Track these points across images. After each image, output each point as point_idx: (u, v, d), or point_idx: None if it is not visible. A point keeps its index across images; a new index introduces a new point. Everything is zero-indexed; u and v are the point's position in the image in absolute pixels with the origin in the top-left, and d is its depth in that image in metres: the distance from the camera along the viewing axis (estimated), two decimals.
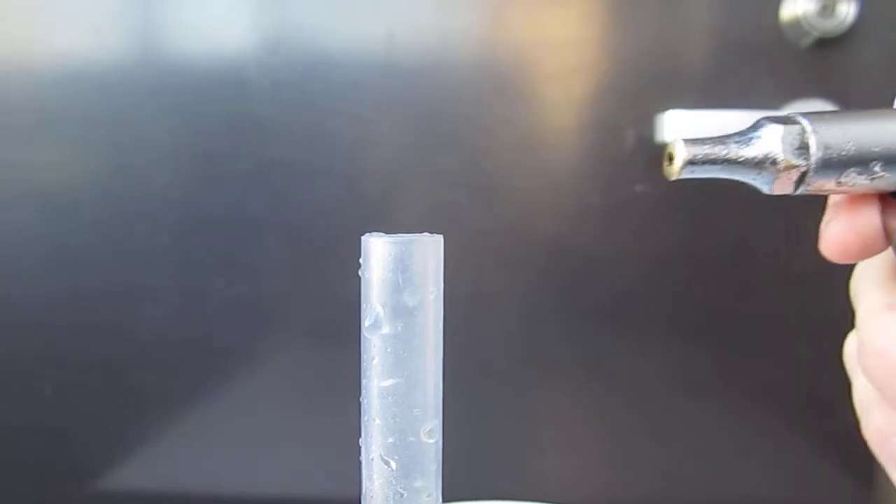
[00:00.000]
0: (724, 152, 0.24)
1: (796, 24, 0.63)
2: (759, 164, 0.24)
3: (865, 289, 0.28)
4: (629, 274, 0.67)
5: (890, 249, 0.27)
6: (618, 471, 0.70)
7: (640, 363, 0.68)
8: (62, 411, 0.67)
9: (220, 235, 0.66)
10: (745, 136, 0.25)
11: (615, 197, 0.65)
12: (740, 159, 0.25)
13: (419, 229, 0.21)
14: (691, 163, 0.24)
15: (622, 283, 0.67)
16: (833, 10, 0.62)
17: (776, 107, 0.64)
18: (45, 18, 0.64)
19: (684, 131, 0.62)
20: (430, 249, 0.20)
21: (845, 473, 0.67)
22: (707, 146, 0.24)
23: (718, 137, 0.25)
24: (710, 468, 0.70)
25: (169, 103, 0.64)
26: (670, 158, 0.25)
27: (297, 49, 0.64)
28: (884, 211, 0.26)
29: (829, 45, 0.63)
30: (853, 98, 0.64)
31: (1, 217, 0.65)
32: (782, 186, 0.25)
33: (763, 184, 0.25)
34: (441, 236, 0.21)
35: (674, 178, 0.25)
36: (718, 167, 0.25)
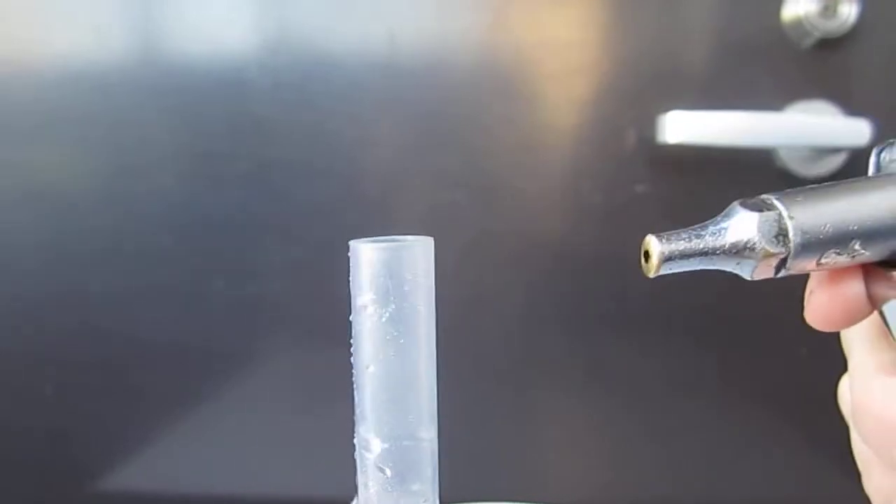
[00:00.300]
0: (700, 245, 0.24)
1: (798, 24, 0.62)
2: (737, 254, 0.24)
3: (856, 344, 0.28)
4: (630, 274, 0.66)
5: (876, 312, 0.26)
6: (618, 471, 0.70)
7: (641, 364, 0.68)
8: (62, 411, 0.67)
9: (221, 236, 0.65)
10: (719, 226, 0.24)
11: (616, 197, 0.65)
12: (717, 251, 0.24)
13: (419, 230, 0.21)
14: (668, 259, 0.24)
15: (623, 284, 0.67)
16: (835, 10, 0.62)
17: (778, 107, 0.64)
18: (45, 19, 0.64)
19: (686, 132, 0.62)
20: (419, 252, 0.20)
21: (846, 474, 0.67)
22: (682, 241, 0.24)
23: (693, 230, 0.24)
24: (711, 469, 0.70)
25: (169, 104, 0.64)
26: (646, 256, 0.24)
27: (298, 49, 0.64)
28: (867, 278, 0.26)
29: (830, 45, 0.63)
30: (855, 98, 0.64)
31: (1, 217, 0.65)
32: (763, 273, 0.24)
33: (743, 272, 0.25)
34: (431, 238, 0.21)
35: (652, 275, 0.24)
36: (696, 261, 0.24)
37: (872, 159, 0.27)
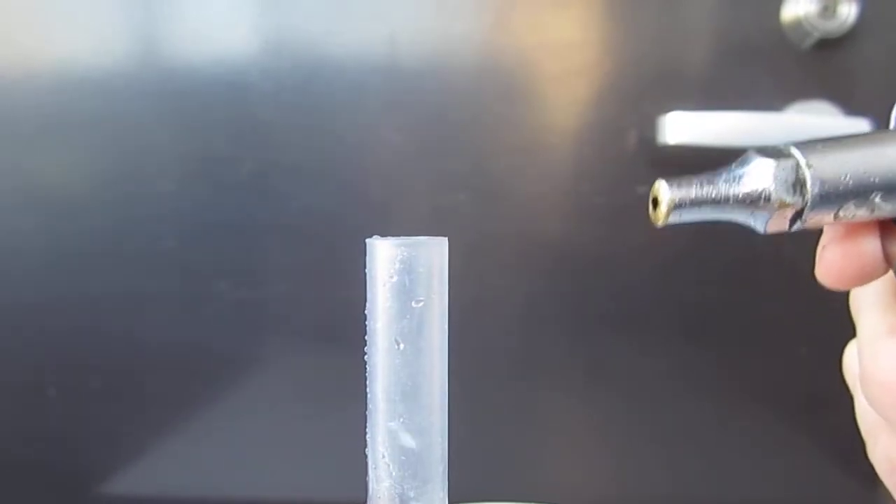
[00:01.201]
0: (712, 193, 0.22)
1: (798, 24, 0.63)
2: (751, 204, 0.22)
3: (866, 307, 0.26)
4: (632, 275, 0.67)
5: (891, 272, 0.25)
6: (620, 471, 0.70)
7: (642, 364, 0.68)
8: (66, 415, 0.67)
9: (223, 239, 0.66)
10: (733, 173, 0.23)
11: (618, 198, 0.66)
12: (731, 200, 0.23)
13: (422, 232, 0.21)
14: (678, 206, 0.22)
15: (625, 285, 0.67)
16: (834, 10, 0.62)
17: (778, 108, 0.64)
18: (47, 25, 0.64)
19: (686, 132, 0.62)
20: (435, 251, 0.20)
21: (848, 474, 0.67)
22: (694, 187, 0.22)
23: (706, 176, 0.23)
24: (712, 468, 0.70)
25: (171, 108, 0.64)
26: (655, 203, 0.23)
27: (299, 53, 0.64)
28: (883, 235, 0.25)
29: (830, 45, 0.63)
30: (855, 98, 0.64)
31: (5, 222, 0.65)
32: (777, 225, 0.23)
33: (756, 223, 0.23)
34: (445, 238, 0.21)
35: (661, 224, 0.23)
36: (708, 209, 0.23)
37: (894, 115, 0.26)
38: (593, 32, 0.65)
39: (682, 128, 0.62)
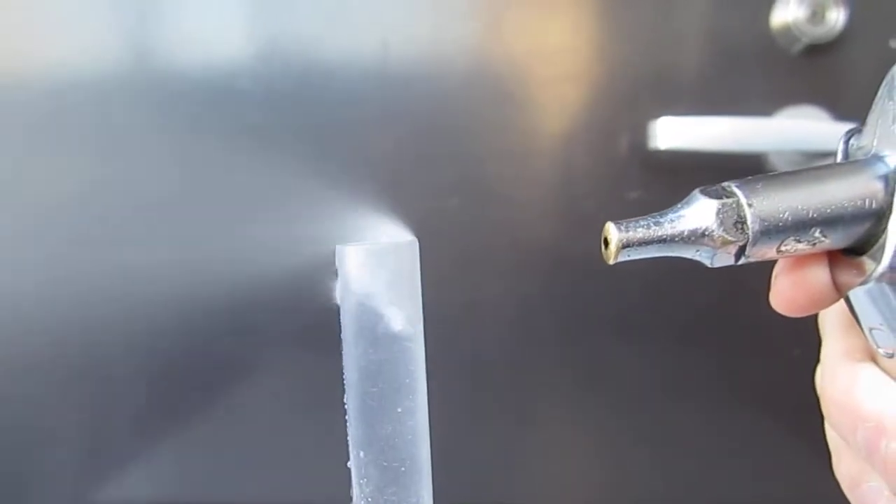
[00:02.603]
0: (658, 233, 0.24)
1: (787, 30, 0.63)
2: (695, 242, 0.24)
3: (828, 330, 0.27)
4: (625, 280, 0.67)
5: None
6: (618, 476, 0.70)
7: (638, 368, 0.68)
8: (60, 419, 0.67)
9: (215, 242, 0.65)
10: (678, 213, 0.24)
11: (609, 203, 0.66)
12: (676, 239, 0.24)
13: (413, 237, 0.21)
14: (626, 246, 0.24)
15: (618, 290, 0.67)
16: (823, 16, 0.63)
17: (769, 112, 0.65)
18: (38, 29, 0.64)
19: (677, 137, 0.62)
20: (405, 254, 0.20)
21: None
22: (640, 228, 0.24)
23: (652, 217, 0.24)
24: (709, 472, 0.70)
25: (162, 113, 0.64)
26: (606, 243, 0.24)
27: (291, 58, 0.64)
28: (833, 265, 0.25)
29: (819, 51, 0.64)
30: (844, 103, 0.65)
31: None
32: (723, 260, 0.24)
33: (703, 259, 0.24)
34: (416, 240, 0.21)
35: (611, 262, 0.24)
36: (655, 248, 0.24)
37: (840, 146, 0.27)
38: (585, 38, 0.65)
39: (673, 133, 0.62)
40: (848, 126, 0.63)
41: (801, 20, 0.62)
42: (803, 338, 0.67)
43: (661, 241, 0.24)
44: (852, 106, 0.65)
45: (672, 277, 0.66)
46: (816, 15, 0.62)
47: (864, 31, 0.64)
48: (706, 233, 0.24)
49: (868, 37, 0.64)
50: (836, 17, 0.62)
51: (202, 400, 0.67)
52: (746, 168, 0.66)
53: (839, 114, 0.64)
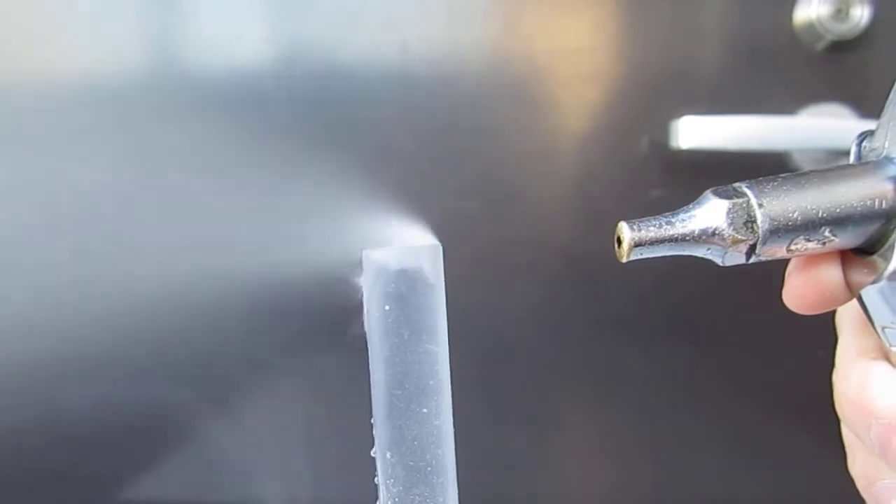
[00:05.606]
0: (669, 232, 0.25)
1: (810, 27, 0.63)
2: (706, 241, 0.24)
3: (844, 329, 0.28)
4: (645, 280, 0.67)
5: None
6: (637, 476, 0.70)
7: (658, 369, 0.68)
8: (81, 421, 0.68)
9: (235, 244, 0.66)
10: (689, 213, 0.25)
11: (629, 203, 0.65)
12: (687, 238, 0.25)
13: (433, 238, 0.21)
14: (638, 245, 0.24)
15: (638, 290, 0.67)
16: (847, 13, 0.62)
17: (791, 111, 0.64)
18: (61, 36, 0.65)
19: (699, 137, 0.62)
20: (428, 258, 0.21)
21: None
22: (652, 228, 0.25)
23: (664, 217, 0.25)
24: (732, 473, 0.69)
25: (185, 118, 0.65)
26: (619, 242, 0.25)
27: (312, 62, 0.65)
28: (845, 264, 0.26)
29: (843, 48, 0.63)
30: (868, 101, 0.64)
31: (19, 231, 0.66)
32: (734, 259, 0.25)
33: (715, 257, 0.25)
34: (440, 244, 0.21)
35: (624, 260, 0.25)
36: (667, 247, 0.25)
37: (853, 148, 0.28)
38: (604, 37, 0.65)
39: (694, 132, 0.62)
40: (872, 125, 0.62)
41: (824, 17, 0.62)
42: (827, 339, 0.67)
43: (673, 240, 0.25)
44: (877, 103, 0.63)
45: (694, 277, 0.66)
46: (840, 12, 0.62)
47: (889, 28, 0.63)
48: (717, 232, 0.24)
49: (893, 33, 0.63)
50: (861, 14, 0.62)
51: (228, 401, 0.68)
52: (769, 167, 0.65)
53: (864, 111, 0.64)
